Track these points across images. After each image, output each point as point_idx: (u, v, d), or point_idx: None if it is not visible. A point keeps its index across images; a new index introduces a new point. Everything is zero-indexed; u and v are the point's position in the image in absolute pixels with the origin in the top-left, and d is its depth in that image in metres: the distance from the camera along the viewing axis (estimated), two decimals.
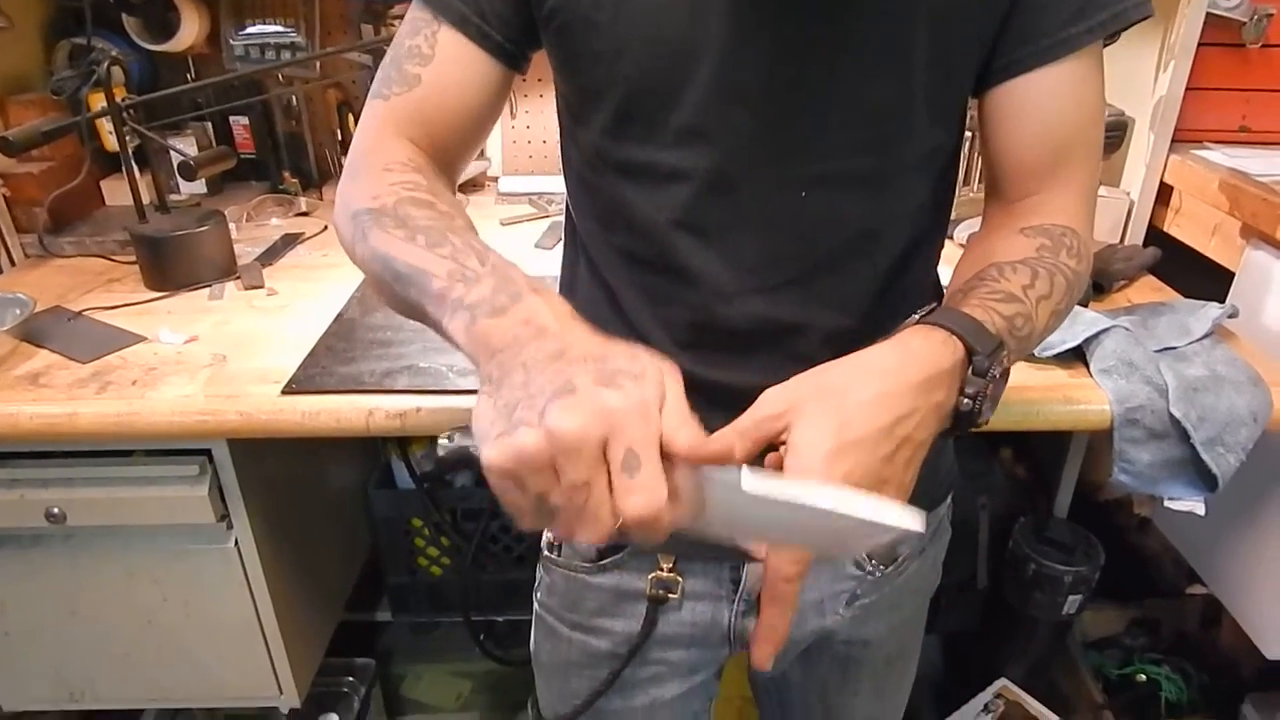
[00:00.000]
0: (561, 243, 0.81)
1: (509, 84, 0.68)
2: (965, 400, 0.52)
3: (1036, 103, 0.64)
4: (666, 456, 0.40)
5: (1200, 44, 1.35)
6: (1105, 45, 0.65)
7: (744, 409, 0.51)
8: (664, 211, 0.65)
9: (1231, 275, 1.32)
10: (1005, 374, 0.55)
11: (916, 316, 0.57)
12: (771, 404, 0.50)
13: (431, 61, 0.64)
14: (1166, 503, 1.07)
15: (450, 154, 0.68)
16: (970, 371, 0.53)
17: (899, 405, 0.49)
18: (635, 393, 0.40)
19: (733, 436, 0.48)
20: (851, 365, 0.51)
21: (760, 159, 0.62)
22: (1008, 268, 0.60)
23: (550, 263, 0.69)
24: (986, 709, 1.47)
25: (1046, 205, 0.66)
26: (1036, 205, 0.67)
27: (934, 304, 0.59)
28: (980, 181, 1.29)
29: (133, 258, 1.33)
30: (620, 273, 0.70)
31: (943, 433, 0.54)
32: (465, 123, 0.67)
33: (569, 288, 0.79)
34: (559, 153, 0.75)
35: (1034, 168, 0.66)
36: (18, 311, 1.13)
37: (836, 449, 0.47)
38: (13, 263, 1.42)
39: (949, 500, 0.86)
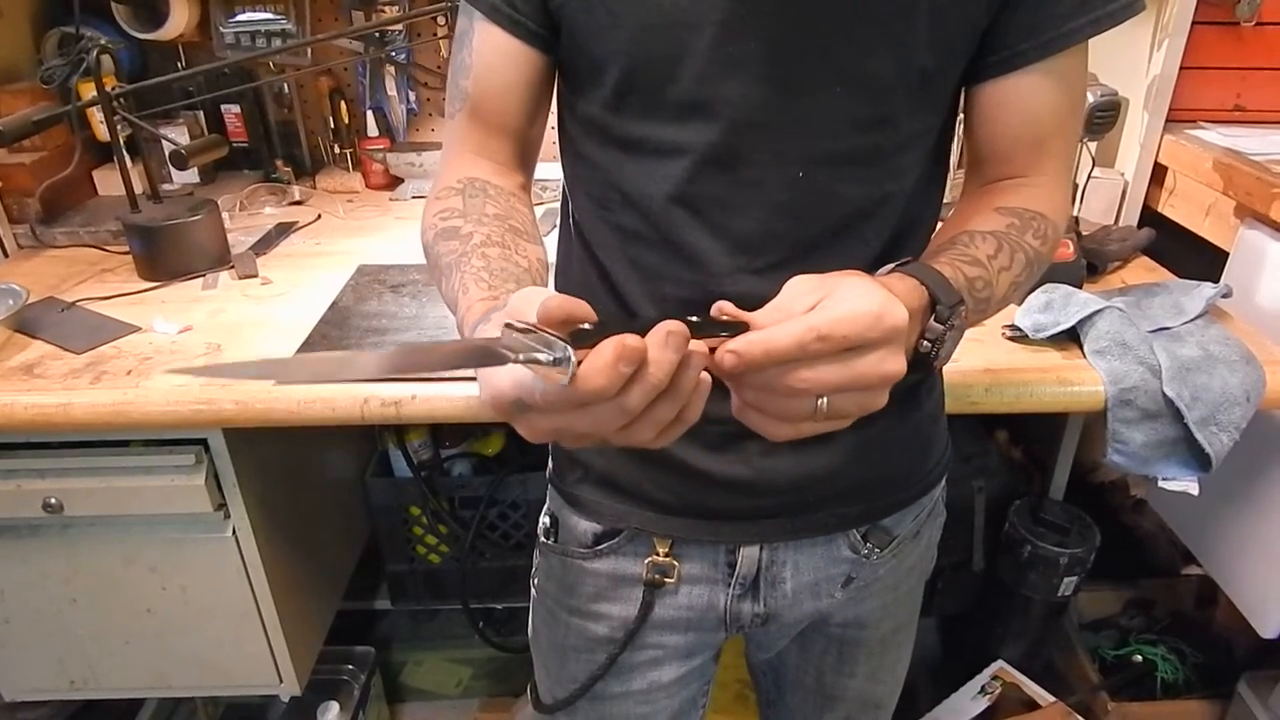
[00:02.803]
0: (555, 228, 0.81)
1: (551, 68, 0.70)
2: (924, 343, 0.56)
3: (1028, 95, 0.66)
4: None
5: (1194, 22, 1.35)
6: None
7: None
8: (661, 186, 0.65)
9: (1225, 255, 1.32)
10: (962, 327, 0.58)
11: (890, 267, 0.59)
12: (804, 288, 0.49)
13: (474, 69, 0.69)
14: (1161, 483, 1.07)
15: (518, 143, 0.73)
16: (933, 319, 0.56)
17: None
18: None
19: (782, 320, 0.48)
20: (868, 280, 0.52)
21: (758, 135, 0.62)
22: (978, 236, 0.64)
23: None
24: (983, 691, 1.48)
25: (1023, 188, 0.69)
26: (1014, 187, 0.69)
27: (908, 259, 0.61)
28: None
29: (126, 247, 1.32)
30: (614, 251, 0.71)
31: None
32: (518, 114, 0.71)
33: (563, 270, 0.79)
34: (552, 139, 0.75)
35: (1016, 154, 0.69)
36: (11, 302, 1.13)
37: (880, 313, 0.47)
38: (5, 254, 1.42)
39: (944, 482, 0.86)
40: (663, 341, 0.42)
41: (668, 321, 0.42)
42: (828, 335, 0.45)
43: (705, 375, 0.44)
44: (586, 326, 0.42)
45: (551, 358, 0.41)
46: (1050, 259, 0.69)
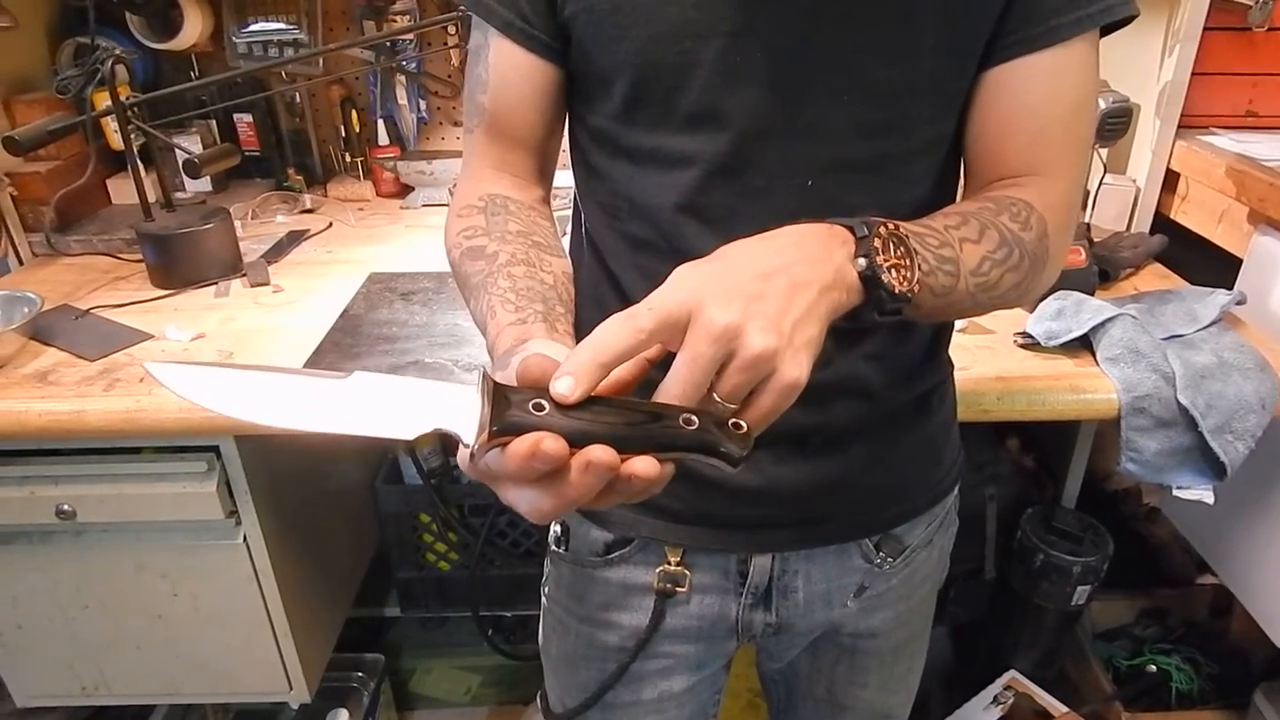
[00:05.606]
0: (565, 235, 0.81)
1: (566, 81, 0.70)
2: (861, 260, 0.52)
3: (1017, 89, 0.64)
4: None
5: (1206, 28, 1.34)
6: (1104, 34, 0.64)
7: None
8: (670, 196, 0.65)
9: (1239, 261, 1.31)
10: (909, 255, 0.54)
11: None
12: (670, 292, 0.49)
13: (491, 84, 0.69)
14: (1175, 491, 1.06)
15: (537, 156, 0.73)
16: (853, 235, 0.53)
17: (759, 247, 0.52)
18: None
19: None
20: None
21: (767, 144, 0.63)
22: (939, 214, 0.61)
23: None
24: (996, 700, 1.47)
25: (1012, 186, 0.66)
26: (1002, 185, 0.66)
27: None
28: None
29: (139, 256, 1.33)
30: (624, 259, 0.71)
31: (862, 307, 0.53)
32: (536, 127, 0.71)
33: (574, 278, 0.79)
34: (564, 147, 0.75)
35: (1007, 156, 0.66)
36: (25, 310, 1.14)
37: (691, 268, 0.49)
38: (20, 261, 1.43)
39: (955, 491, 0.86)
40: (583, 467, 0.42)
41: (595, 448, 0.42)
42: (634, 312, 0.46)
43: (652, 470, 0.44)
44: (540, 403, 0.43)
45: (455, 434, 0.43)
46: (1047, 254, 0.64)
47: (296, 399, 0.45)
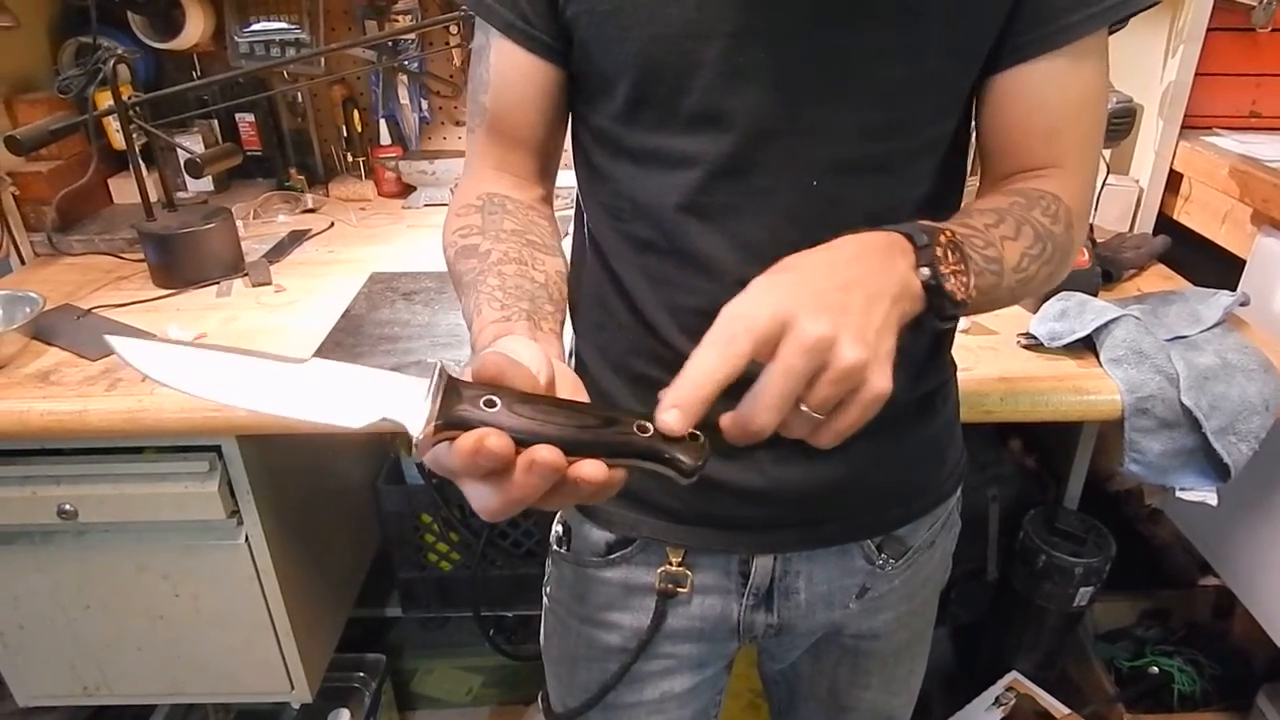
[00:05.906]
0: (568, 235, 0.81)
1: (568, 81, 0.70)
2: (924, 270, 0.53)
3: (1036, 86, 0.64)
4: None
5: (1209, 29, 1.34)
6: (1111, 32, 0.64)
7: None
8: (672, 196, 0.65)
9: (1242, 262, 1.31)
10: (964, 260, 0.55)
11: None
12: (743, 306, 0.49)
13: (492, 85, 0.69)
14: (1178, 493, 1.06)
15: (538, 156, 0.73)
16: (913, 245, 0.54)
17: (829, 259, 0.52)
18: None
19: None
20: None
21: (770, 144, 0.62)
22: (975, 211, 0.62)
23: None
24: (998, 702, 1.46)
25: (1033, 178, 0.67)
26: (1023, 178, 0.67)
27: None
28: None
29: (141, 255, 1.33)
30: (627, 259, 0.71)
31: (924, 314, 0.54)
32: (537, 127, 0.71)
33: (576, 279, 0.79)
34: (566, 147, 0.75)
35: (1026, 148, 0.67)
36: (27, 309, 1.14)
37: (770, 281, 0.50)
38: (22, 261, 1.43)
39: (958, 492, 0.86)
40: (527, 466, 0.43)
41: (540, 448, 0.42)
42: (729, 336, 0.46)
43: (600, 474, 0.44)
44: (491, 400, 0.43)
45: (398, 423, 0.44)
46: (1072, 245, 0.66)
47: (250, 381, 0.45)
